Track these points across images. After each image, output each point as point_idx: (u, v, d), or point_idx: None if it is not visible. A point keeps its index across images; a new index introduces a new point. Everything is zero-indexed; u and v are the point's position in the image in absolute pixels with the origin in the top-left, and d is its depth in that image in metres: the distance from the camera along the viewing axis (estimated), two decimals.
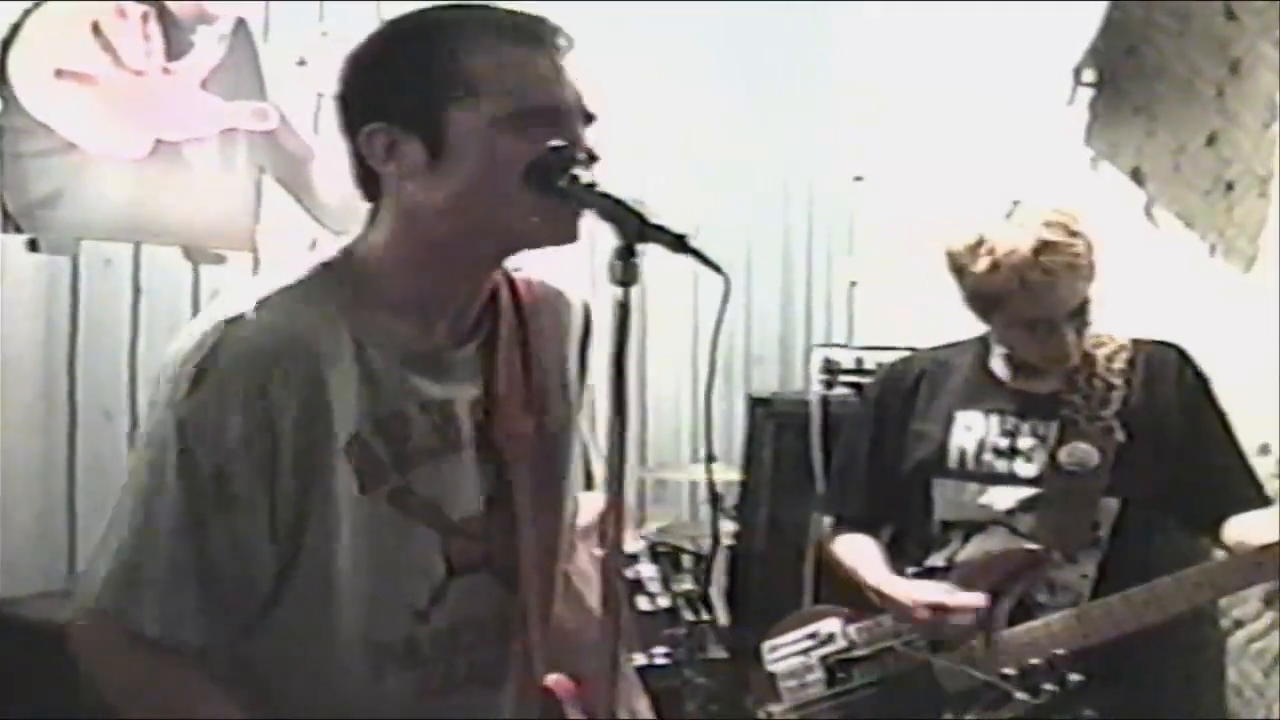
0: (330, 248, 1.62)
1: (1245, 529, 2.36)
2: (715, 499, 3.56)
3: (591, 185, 1.53)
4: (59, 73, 3.97)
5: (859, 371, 4.16)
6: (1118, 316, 3.95)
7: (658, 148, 5.00)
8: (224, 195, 4.24)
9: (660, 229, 1.49)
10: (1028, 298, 2.34)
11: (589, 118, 1.56)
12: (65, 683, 1.78)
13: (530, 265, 1.75)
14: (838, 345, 4.68)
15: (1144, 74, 4.02)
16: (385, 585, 1.58)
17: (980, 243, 2.34)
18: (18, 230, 3.91)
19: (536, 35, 1.54)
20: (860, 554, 2.63)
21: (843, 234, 5.30)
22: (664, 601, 3.90)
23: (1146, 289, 3.96)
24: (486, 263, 1.62)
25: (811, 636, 2.60)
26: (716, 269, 1.49)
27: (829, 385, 4.20)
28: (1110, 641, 2.31)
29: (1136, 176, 4.04)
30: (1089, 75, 4.13)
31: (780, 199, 5.39)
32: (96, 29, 4.02)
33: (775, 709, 2.56)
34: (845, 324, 5.25)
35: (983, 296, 2.39)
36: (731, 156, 5.24)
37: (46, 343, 3.90)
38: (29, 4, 3.92)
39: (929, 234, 2.77)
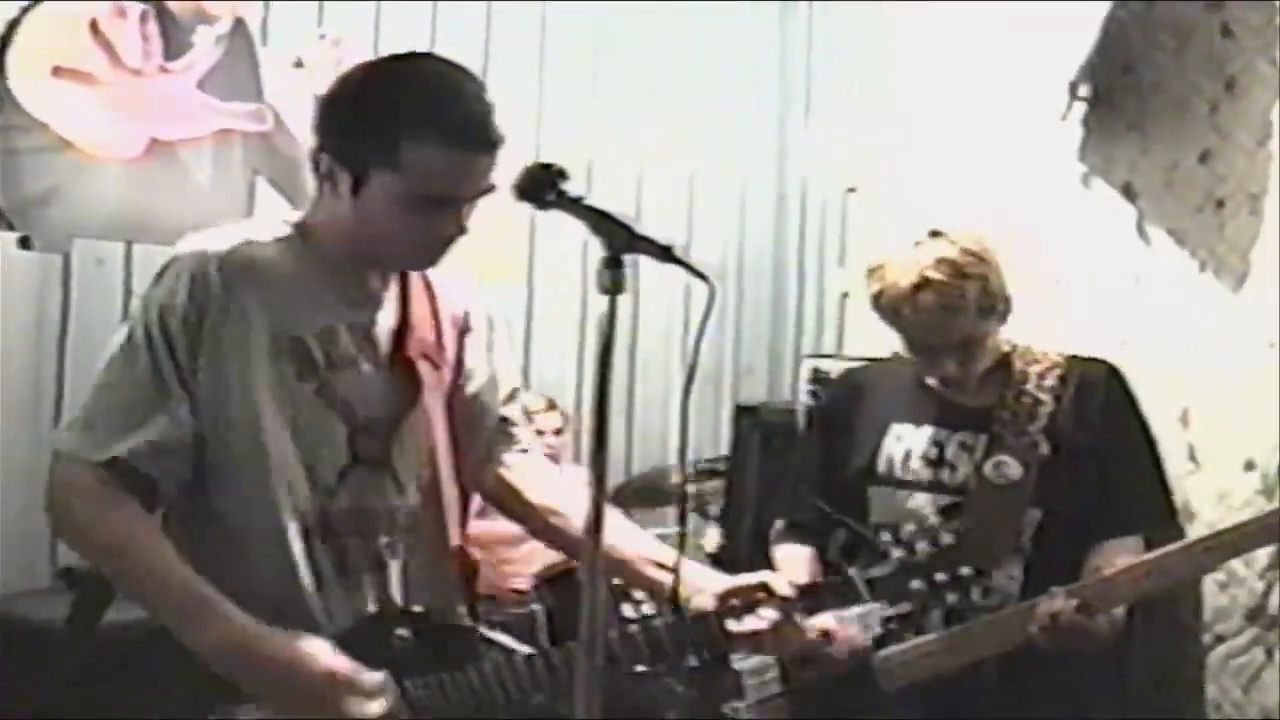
0: (292, 214, 2.04)
1: (1107, 555, 2.46)
2: (684, 499, 3.67)
3: (579, 199, 1.69)
4: (56, 70, 3.98)
5: None
6: (1108, 331, 3.99)
7: (651, 158, 5.02)
8: (218, 196, 4.24)
9: (648, 240, 1.64)
10: (905, 327, 2.48)
11: (483, 192, 1.90)
12: (49, 681, 1.79)
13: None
14: (827, 356, 4.69)
15: (1139, 90, 4.03)
16: (306, 459, 1.91)
17: (878, 268, 2.48)
18: (10, 228, 3.91)
19: (471, 139, 1.85)
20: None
21: (835, 245, 5.30)
22: (648, 608, 3.90)
23: (1137, 305, 3.98)
24: (379, 263, 2.00)
25: None
26: (703, 277, 1.59)
27: (816, 396, 4.20)
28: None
29: (1128, 192, 4.05)
30: (1084, 90, 4.13)
31: (773, 210, 5.40)
32: (95, 27, 4.02)
33: (740, 705, 2.63)
34: (835, 335, 5.26)
35: (880, 315, 2.53)
36: (724, 167, 5.26)
37: (37, 341, 3.90)
38: (28, 1, 3.93)
39: None
